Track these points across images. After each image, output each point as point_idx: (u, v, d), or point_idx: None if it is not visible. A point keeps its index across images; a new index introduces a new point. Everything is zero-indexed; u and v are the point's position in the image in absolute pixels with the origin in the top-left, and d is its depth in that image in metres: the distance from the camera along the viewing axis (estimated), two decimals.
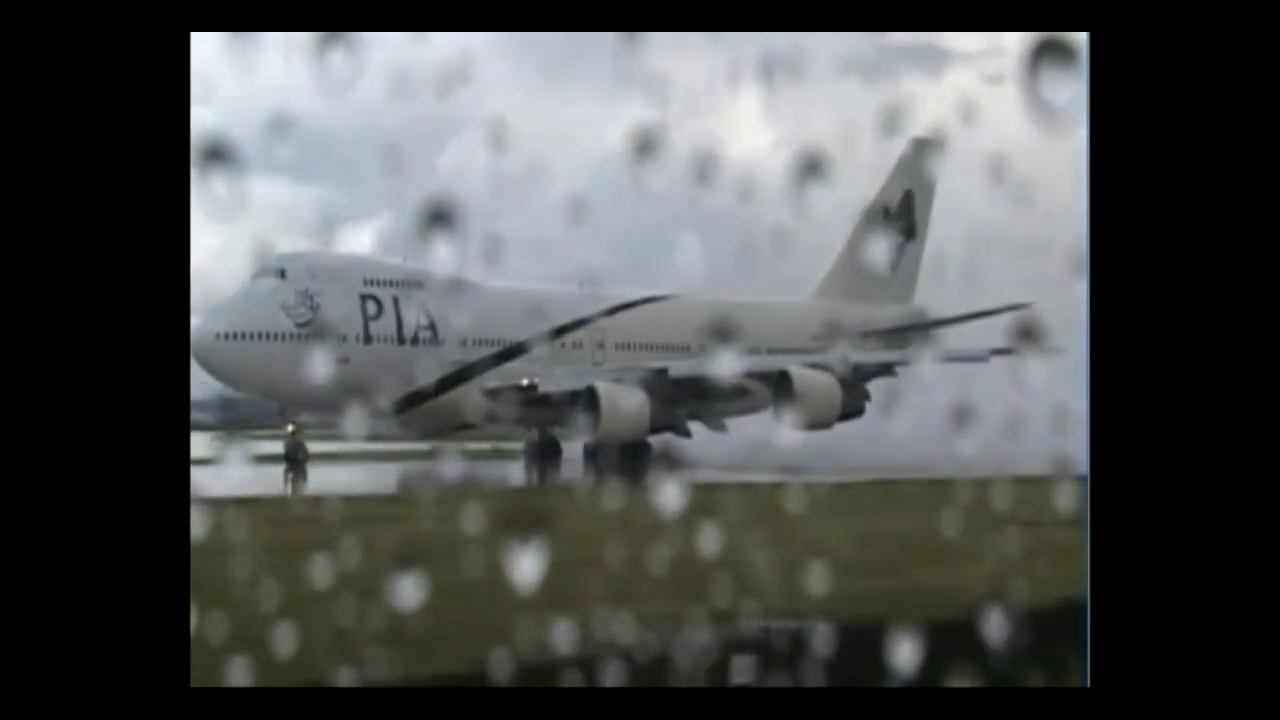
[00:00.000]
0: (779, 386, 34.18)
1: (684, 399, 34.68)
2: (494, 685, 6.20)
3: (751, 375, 34.83)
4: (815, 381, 34.95)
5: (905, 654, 4.80)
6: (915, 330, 44.82)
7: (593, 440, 35.57)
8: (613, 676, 5.96)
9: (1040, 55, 3.06)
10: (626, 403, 33.91)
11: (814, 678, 5.90)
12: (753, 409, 35.24)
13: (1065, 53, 3.08)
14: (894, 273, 47.04)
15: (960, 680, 5.48)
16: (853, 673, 5.83)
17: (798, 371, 35.09)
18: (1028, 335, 3.77)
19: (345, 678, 5.93)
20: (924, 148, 42.39)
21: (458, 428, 37.38)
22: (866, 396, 36.90)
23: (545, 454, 38.65)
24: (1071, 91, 3.04)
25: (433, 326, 36.07)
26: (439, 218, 3.88)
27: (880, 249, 43.85)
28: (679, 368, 35.38)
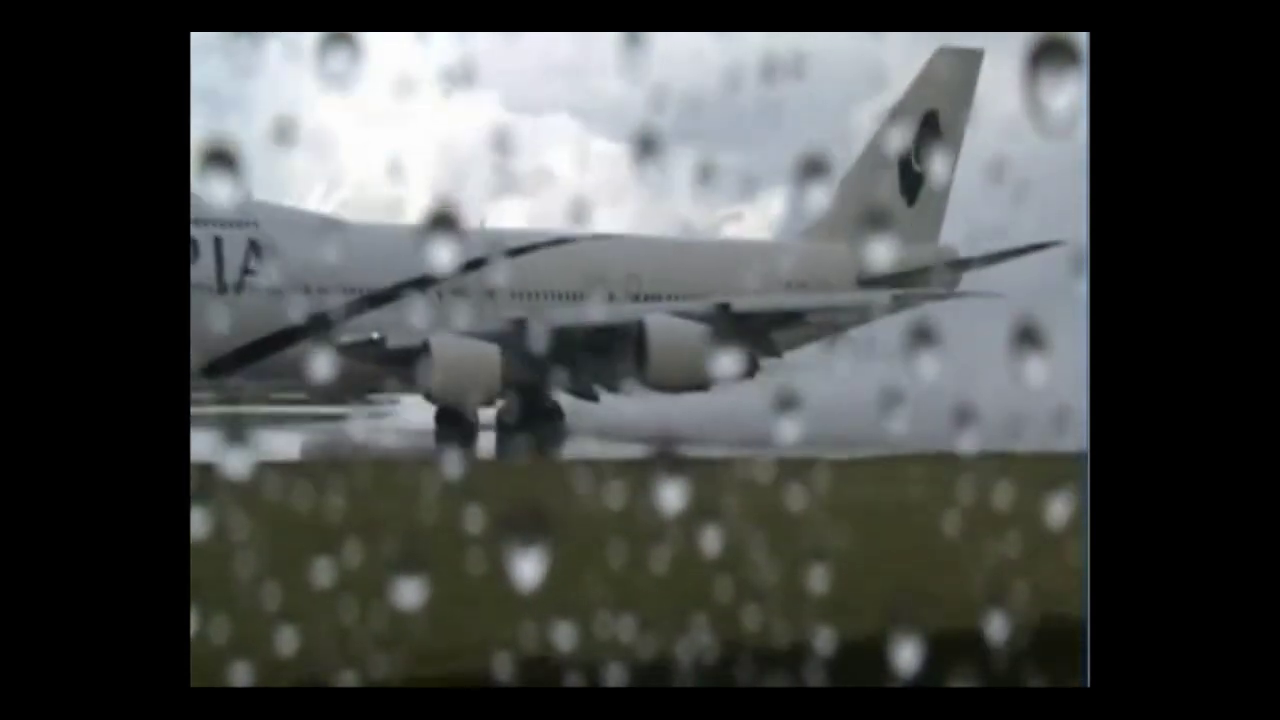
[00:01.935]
0: (636, 340, 28.84)
1: (562, 356, 28.68)
2: (495, 685, 6.20)
3: (614, 328, 29.22)
4: (678, 334, 28.99)
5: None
6: (927, 274, 36.41)
7: (432, 401, 30.98)
8: (612, 677, 5.96)
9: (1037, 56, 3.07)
10: (469, 359, 29.14)
11: None
12: None
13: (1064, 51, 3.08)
14: (911, 207, 38.28)
15: (960, 680, 5.48)
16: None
17: (656, 321, 29.31)
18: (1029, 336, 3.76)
19: (347, 678, 5.93)
20: (954, 60, 36.90)
21: (367, 390, 32.72)
22: (773, 353, 31.36)
23: (454, 420, 33.11)
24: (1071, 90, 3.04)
25: (266, 272, 31.42)
26: (442, 221, 3.89)
27: (891, 180, 36.42)
28: (544, 320, 30.15)
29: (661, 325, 29.32)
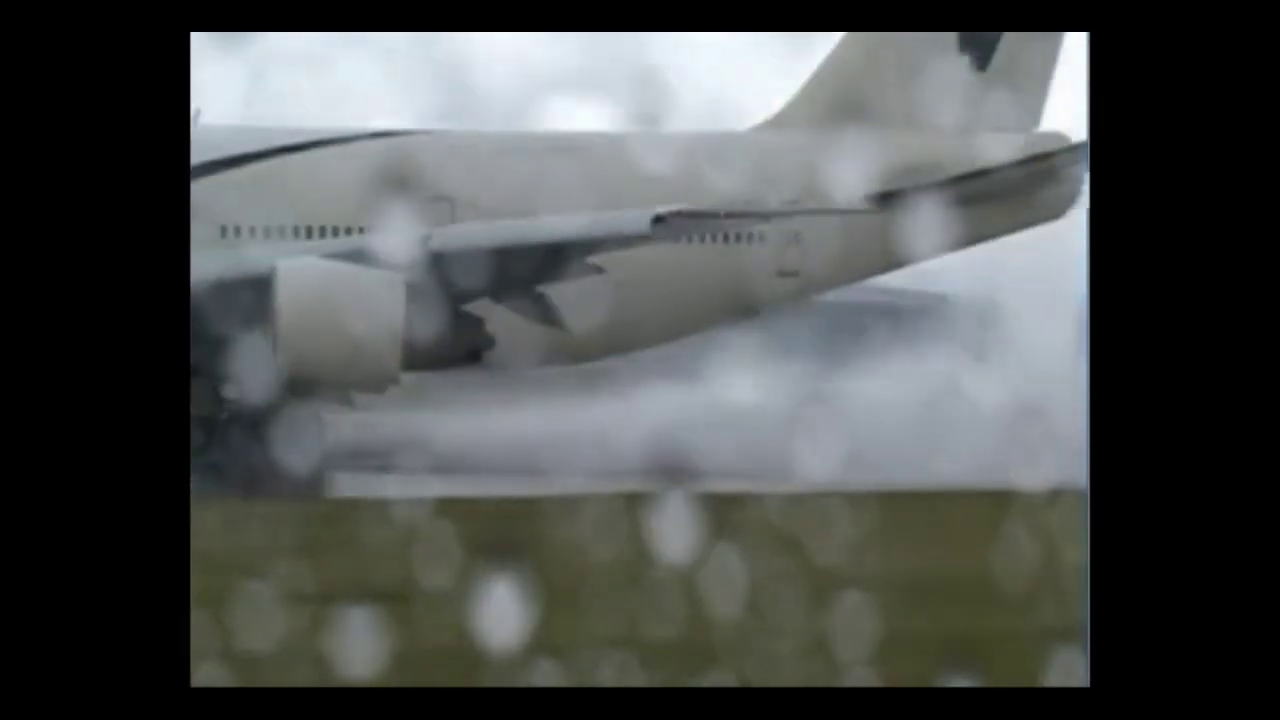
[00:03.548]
0: (262, 305, 17.20)
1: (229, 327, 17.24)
2: (493, 686, 6.20)
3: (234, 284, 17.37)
4: (334, 291, 17.33)
5: None
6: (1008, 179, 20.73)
7: None
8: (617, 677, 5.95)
9: None
10: None
11: None
12: None
13: None
14: (983, 72, 21.34)
15: (960, 680, 5.47)
16: None
17: (295, 270, 17.11)
18: None
19: (345, 679, 5.92)
20: None
21: None
22: (551, 321, 19.00)
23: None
24: None
25: None
26: (397, 183, 3.90)
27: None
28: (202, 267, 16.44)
29: (303, 277, 17.03)
